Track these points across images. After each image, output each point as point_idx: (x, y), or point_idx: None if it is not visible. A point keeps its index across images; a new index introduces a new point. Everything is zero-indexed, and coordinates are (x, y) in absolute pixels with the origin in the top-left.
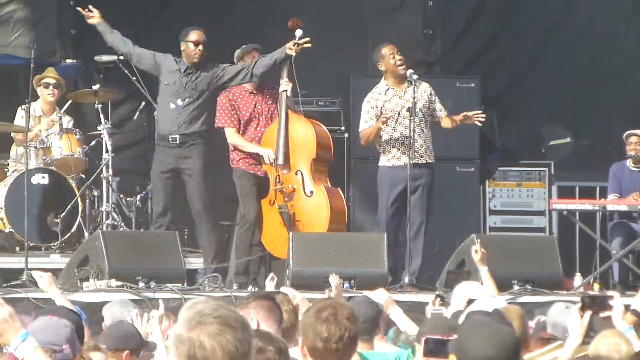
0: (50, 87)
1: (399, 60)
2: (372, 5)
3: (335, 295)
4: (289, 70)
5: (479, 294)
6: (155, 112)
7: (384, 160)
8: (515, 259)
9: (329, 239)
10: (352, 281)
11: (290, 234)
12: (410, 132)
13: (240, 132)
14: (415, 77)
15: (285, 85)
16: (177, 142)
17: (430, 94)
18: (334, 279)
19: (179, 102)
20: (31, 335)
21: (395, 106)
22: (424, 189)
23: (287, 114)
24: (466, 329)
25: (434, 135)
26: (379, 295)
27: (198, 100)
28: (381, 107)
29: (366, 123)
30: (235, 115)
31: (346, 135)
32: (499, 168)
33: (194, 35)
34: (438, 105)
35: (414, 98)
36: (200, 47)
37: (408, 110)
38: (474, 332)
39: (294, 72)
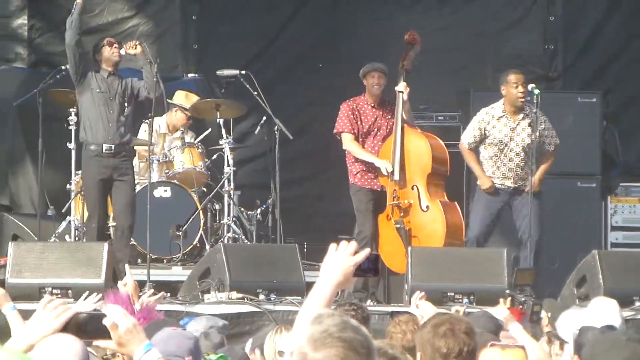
0: (188, 117)
1: (520, 92)
2: (492, 20)
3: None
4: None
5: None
6: (276, 126)
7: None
8: (636, 275)
9: (448, 253)
10: (472, 297)
11: (409, 248)
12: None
13: (360, 144)
14: (537, 91)
15: (402, 86)
16: None
17: (544, 129)
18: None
19: None
20: (154, 346)
21: (503, 137)
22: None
23: (403, 128)
24: (601, 347)
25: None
26: (500, 312)
27: None
28: (484, 130)
29: (467, 137)
30: (356, 124)
31: None
32: (621, 184)
33: None
34: (548, 140)
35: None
36: None
37: (530, 125)
38: (611, 352)
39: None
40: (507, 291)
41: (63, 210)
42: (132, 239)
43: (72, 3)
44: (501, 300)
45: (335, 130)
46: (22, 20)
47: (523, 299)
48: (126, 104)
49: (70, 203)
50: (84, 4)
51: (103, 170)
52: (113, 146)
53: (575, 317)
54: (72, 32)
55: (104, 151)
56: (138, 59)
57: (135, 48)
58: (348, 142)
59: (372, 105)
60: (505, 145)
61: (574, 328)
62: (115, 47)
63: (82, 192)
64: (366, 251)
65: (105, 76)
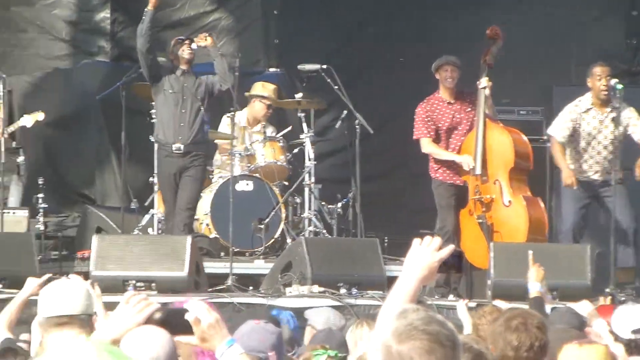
0: (268, 106)
1: (603, 85)
2: (575, 15)
3: None
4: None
5: None
6: (357, 120)
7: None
8: None
9: (531, 249)
10: (555, 292)
11: (491, 244)
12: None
13: (442, 143)
14: (619, 86)
15: (485, 81)
16: None
17: (628, 125)
18: None
19: None
20: (237, 341)
21: (592, 129)
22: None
23: (485, 122)
24: None
25: None
26: (583, 307)
27: None
28: (576, 123)
29: (560, 130)
30: (433, 126)
31: (548, 144)
32: None
33: None
34: (638, 130)
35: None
36: None
37: (613, 120)
38: None
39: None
40: (608, 289)
41: (146, 204)
42: (215, 233)
43: None
44: (600, 298)
45: (414, 137)
46: (104, 14)
47: (623, 298)
48: (200, 103)
49: (153, 196)
50: (155, 10)
51: (174, 169)
52: (182, 146)
53: (632, 313)
54: (143, 39)
55: (173, 151)
56: (209, 51)
57: (205, 40)
58: (426, 146)
59: (448, 101)
60: (594, 138)
61: (631, 326)
62: (185, 44)
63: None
64: (451, 247)
65: (178, 75)
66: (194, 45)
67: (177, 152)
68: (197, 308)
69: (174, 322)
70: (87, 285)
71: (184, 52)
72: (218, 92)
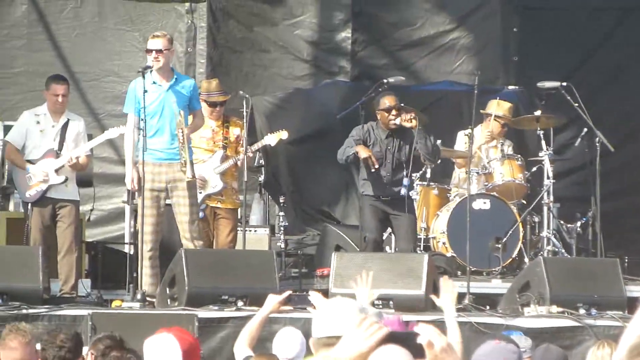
0: (502, 125)
1: None
2: None
3: None
4: None
5: None
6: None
7: None
8: None
9: None
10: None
11: None
12: None
13: None
14: None
15: None
16: None
17: None
18: None
19: None
20: (478, 358)
21: None
22: None
23: None
24: None
25: None
26: None
27: None
28: None
29: None
30: None
31: None
32: None
33: None
34: None
35: None
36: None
37: None
38: None
39: None
40: None
41: None
42: (452, 251)
43: (394, 16)
44: None
45: None
46: (345, 34)
47: None
48: (403, 164)
49: None
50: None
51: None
52: (389, 198)
53: None
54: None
55: (381, 198)
56: (413, 132)
57: (410, 122)
58: None
59: None
60: None
61: None
62: (393, 115)
63: None
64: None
65: (383, 137)
66: (397, 121)
67: (384, 198)
68: (429, 331)
69: (405, 345)
70: (359, 305)
71: (391, 122)
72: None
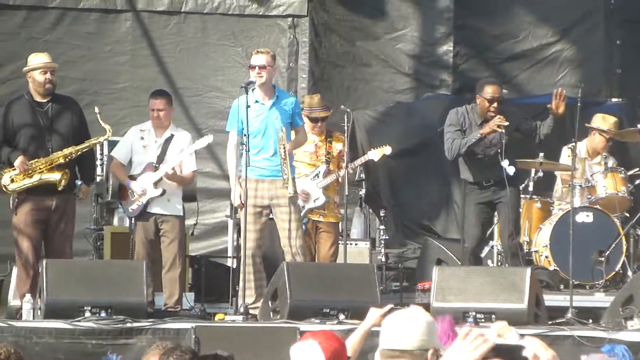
0: (607, 140)
1: None
2: None
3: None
4: None
5: None
6: None
7: None
8: None
9: None
10: None
11: None
12: None
13: None
14: None
15: None
16: None
17: None
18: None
19: None
20: None
21: None
22: None
23: None
24: None
25: None
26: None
27: None
28: None
29: None
30: None
31: None
32: None
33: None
34: None
35: None
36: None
37: None
38: None
39: None
40: None
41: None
42: (554, 265)
43: (496, 29)
44: None
45: None
46: (447, 47)
47: None
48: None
49: (492, 228)
50: None
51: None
52: (492, 182)
53: None
54: None
55: (484, 185)
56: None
57: (500, 128)
58: None
59: None
60: None
61: None
62: (493, 108)
63: None
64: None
65: (478, 122)
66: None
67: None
68: (535, 344)
69: (510, 357)
70: (429, 319)
71: (488, 113)
72: None
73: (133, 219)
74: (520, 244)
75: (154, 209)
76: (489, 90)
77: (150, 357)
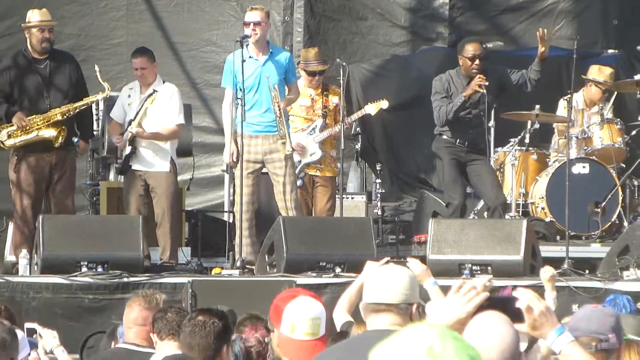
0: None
1: None
2: None
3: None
4: None
5: None
6: None
7: None
8: None
9: None
10: None
11: None
12: None
13: None
14: None
15: None
16: None
17: None
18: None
19: None
20: (576, 323)
21: None
22: None
23: None
24: None
25: None
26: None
27: None
28: None
29: None
30: None
31: None
32: None
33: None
34: None
35: None
36: None
37: None
38: None
39: None
40: None
41: None
42: (550, 216)
43: None
44: None
45: None
46: (443, 0)
47: None
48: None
49: None
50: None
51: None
52: (467, 144)
53: None
54: None
55: (457, 144)
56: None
57: (480, 88)
58: None
59: None
60: None
61: None
62: (476, 65)
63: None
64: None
65: (464, 84)
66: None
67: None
68: (528, 296)
69: (502, 310)
70: (411, 273)
71: (471, 71)
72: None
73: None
74: (506, 203)
75: (137, 166)
76: (470, 49)
77: (133, 305)
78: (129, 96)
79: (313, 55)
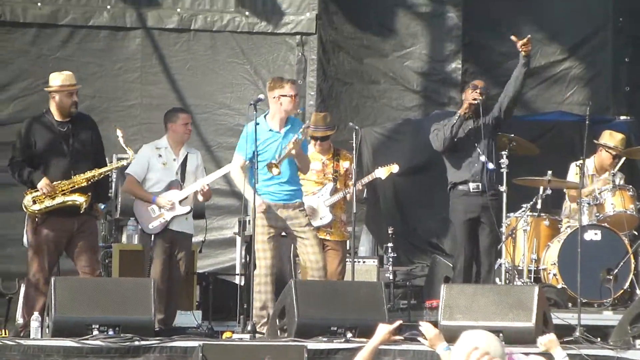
0: (614, 156)
1: None
2: None
3: None
4: None
5: None
6: None
7: None
8: None
9: None
10: None
11: None
12: None
13: None
14: None
15: None
16: None
17: None
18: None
19: None
20: None
21: None
22: None
23: None
24: None
25: None
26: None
27: None
28: None
29: None
30: None
31: None
32: None
33: None
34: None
35: None
36: None
37: None
38: None
39: None
40: None
41: None
42: (562, 283)
43: (505, 46)
44: None
45: None
46: (456, 65)
47: None
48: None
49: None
50: None
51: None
52: (479, 185)
53: None
54: None
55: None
56: None
57: (475, 100)
58: None
59: None
60: None
61: None
62: (476, 93)
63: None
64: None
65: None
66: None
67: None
68: None
69: None
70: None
71: (471, 97)
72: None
73: (152, 236)
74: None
75: (174, 227)
76: (474, 82)
77: None
78: (160, 155)
79: (318, 119)
